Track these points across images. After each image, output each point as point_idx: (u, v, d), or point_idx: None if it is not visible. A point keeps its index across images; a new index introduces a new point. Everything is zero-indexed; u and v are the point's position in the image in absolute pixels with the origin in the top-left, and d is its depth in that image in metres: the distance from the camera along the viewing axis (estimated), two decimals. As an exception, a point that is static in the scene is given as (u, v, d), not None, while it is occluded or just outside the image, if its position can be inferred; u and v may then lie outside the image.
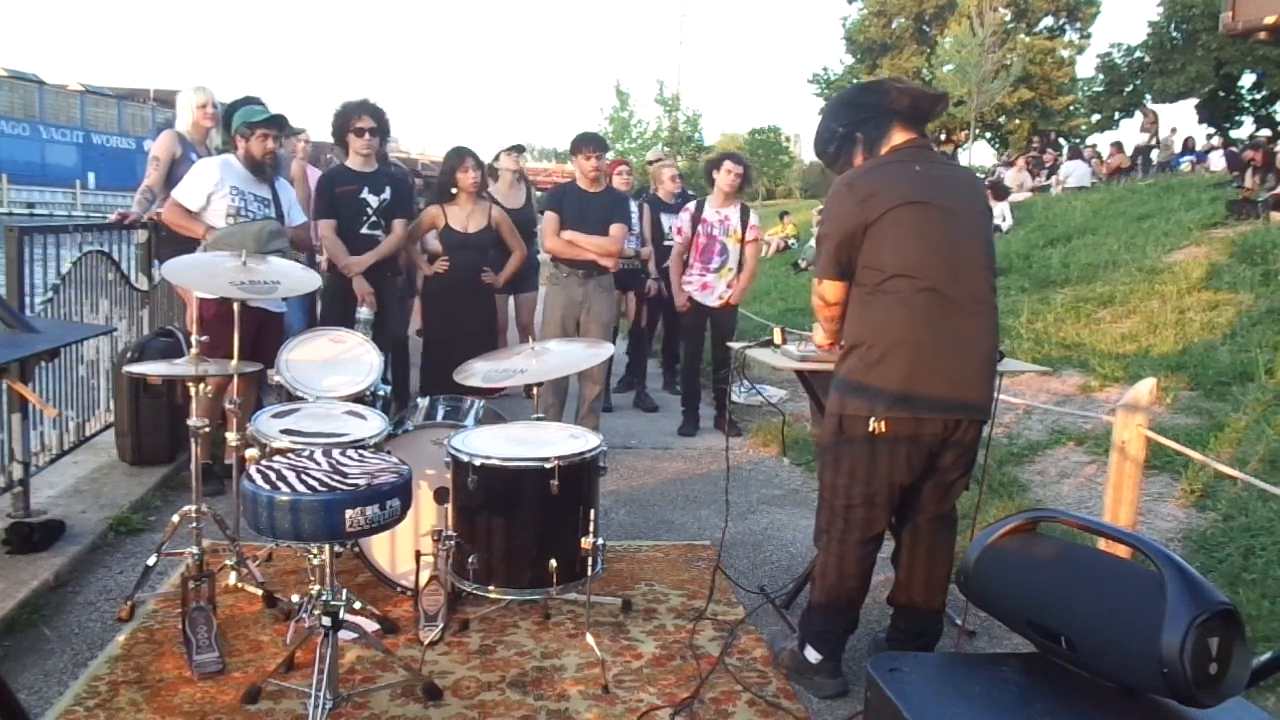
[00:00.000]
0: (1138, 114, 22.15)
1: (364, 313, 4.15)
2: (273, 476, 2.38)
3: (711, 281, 5.95)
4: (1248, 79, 30.91)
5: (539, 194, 7.66)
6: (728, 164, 5.97)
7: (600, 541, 3.02)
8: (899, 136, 2.73)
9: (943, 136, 17.23)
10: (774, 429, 5.81)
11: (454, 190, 4.91)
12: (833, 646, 2.80)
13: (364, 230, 4.84)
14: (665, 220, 6.86)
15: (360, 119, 4.78)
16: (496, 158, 6.78)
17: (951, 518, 2.87)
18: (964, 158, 28.78)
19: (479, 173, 4.95)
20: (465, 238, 4.94)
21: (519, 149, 6.63)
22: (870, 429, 2.61)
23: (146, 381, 4.31)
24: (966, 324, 2.61)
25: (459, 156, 4.92)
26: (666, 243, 6.72)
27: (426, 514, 3.25)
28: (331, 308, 4.72)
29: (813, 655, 2.80)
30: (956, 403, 2.61)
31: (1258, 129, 27.01)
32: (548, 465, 2.92)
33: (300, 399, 3.37)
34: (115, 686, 2.67)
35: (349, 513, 2.30)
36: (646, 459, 5.44)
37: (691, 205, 6.13)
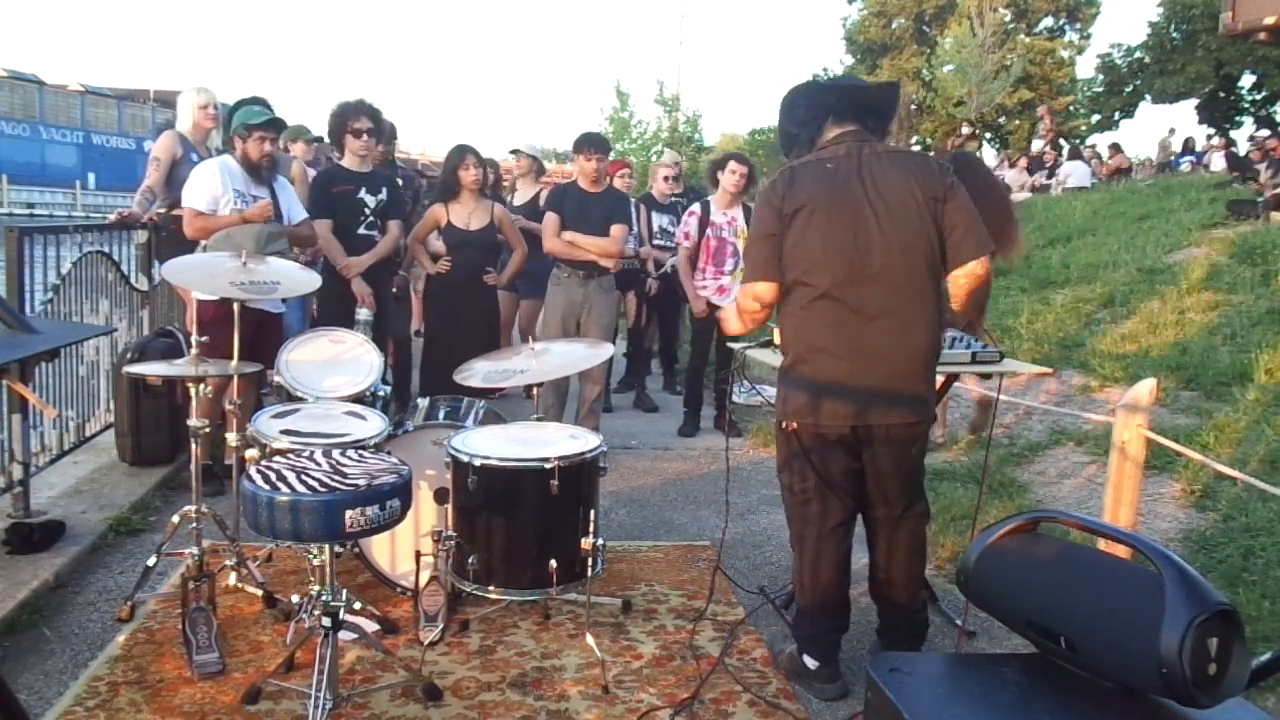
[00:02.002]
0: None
1: (363, 314, 4.16)
2: (273, 477, 2.38)
3: (727, 284, 5.92)
4: (1248, 79, 30.91)
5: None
6: (732, 164, 5.96)
7: (600, 542, 3.02)
8: (832, 131, 2.73)
9: (965, 130, 17.15)
10: (774, 429, 5.80)
11: (456, 188, 4.92)
12: (826, 649, 2.81)
13: (361, 231, 4.84)
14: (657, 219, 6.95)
15: (358, 119, 4.78)
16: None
17: (913, 515, 2.85)
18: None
19: (480, 170, 4.96)
20: (467, 235, 4.95)
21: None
22: (787, 429, 2.75)
23: (146, 382, 4.31)
24: (870, 329, 2.59)
25: (460, 154, 4.93)
26: (656, 243, 6.84)
27: (426, 514, 3.25)
28: (328, 308, 4.72)
29: (810, 662, 2.81)
30: (862, 408, 2.63)
31: (1258, 129, 27.01)
32: (548, 465, 2.92)
33: (300, 399, 3.37)
34: (115, 687, 2.67)
35: (349, 513, 2.31)
36: (646, 459, 5.44)
37: (697, 208, 6.06)
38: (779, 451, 2.88)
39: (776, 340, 3.31)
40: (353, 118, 4.78)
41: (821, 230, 2.59)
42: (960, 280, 2.65)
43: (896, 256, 2.59)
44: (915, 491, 2.85)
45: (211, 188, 4.09)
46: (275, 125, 4.25)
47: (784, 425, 2.76)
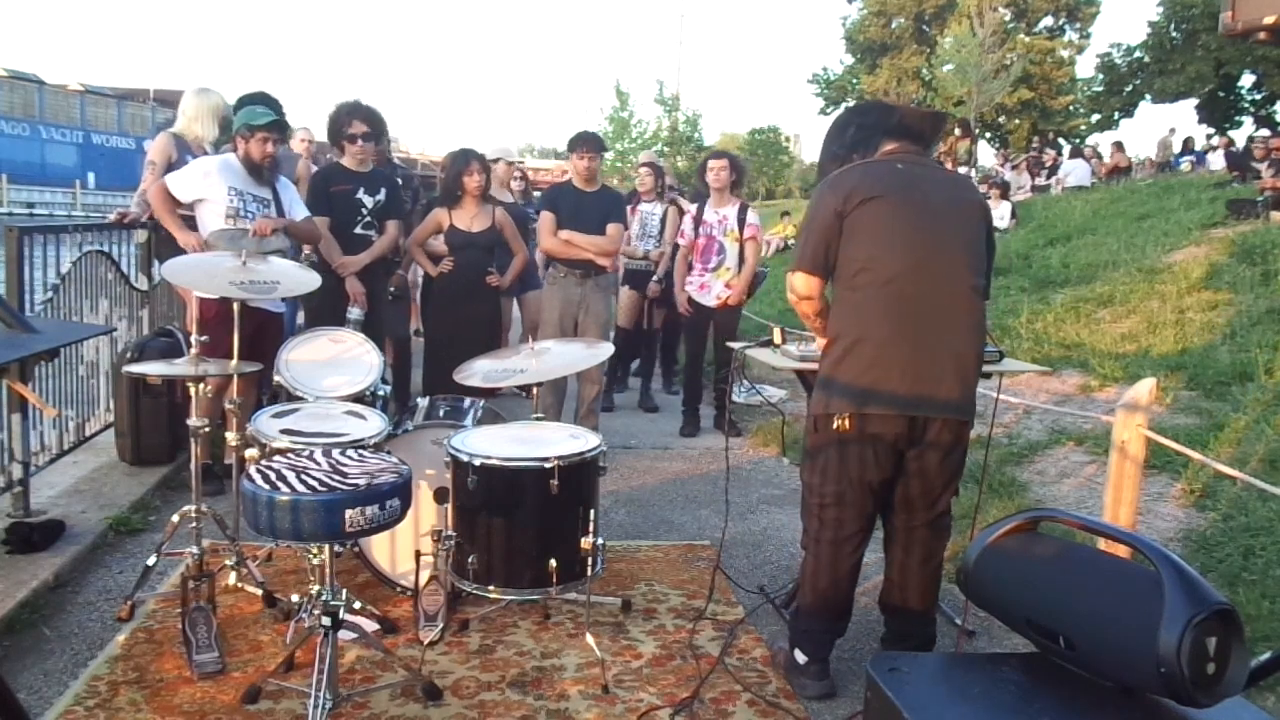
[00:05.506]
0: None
1: (355, 313, 4.17)
2: (273, 476, 2.38)
3: (709, 281, 5.96)
4: (1247, 79, 30.92)
5: (536, 194, 7.65)
6: (710, 162, 6.03)
7: (600, 541, 3.02)
8: (888, 146, 2.77)
9: (958, 132, 17.13)
10: (774, 429, 5.81)
11: (460, 193, 4.93)
12: (818, 648, 2.80)
13: (358, 230, 4.85)
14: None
15: (351, 125, 4.79)
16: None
17: (942, 524, 2.83)
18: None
19: (484, 175, 4.97)
20: (470, 236, 4.95)
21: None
22: (835, 426, 2.64)
23: (146, 381, 4.31)
24: (934, 321, 2.59)
25: (465, 159, 4.94)
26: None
27: (426, 514, 3.25)
28: (322, 306, 4.72)
29: (800, 656, 2.81)
30: (920, 399, 2.59)
31: (1257, 129, 27.00)
32: (548, 465, 2.92)
33: (300, 399, 3.37)
34: (115, 686, 2.67)
35: (349, 513, 2.31)
36: (646, 459, 5.44)
37: (693, 207, 6.16)
38: (809, 447, 2.80)
39: (777, 340, 3.32)
40: (346, 123, 4.81)
41: (890, 220, 2.61)
42: None
43: (958, 258, 2.63)
44: (947, 501, 2.80)
45: (195, 183, 4.09)
46: (279, 126, 4.25)
47: (834, 424, 2.64)
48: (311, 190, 4.97)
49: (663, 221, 6.76)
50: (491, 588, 3.01)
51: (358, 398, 3.42)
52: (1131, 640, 1.56)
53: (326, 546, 2.53)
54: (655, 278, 6.75)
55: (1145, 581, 1.60)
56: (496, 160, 6.62)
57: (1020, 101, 33.68)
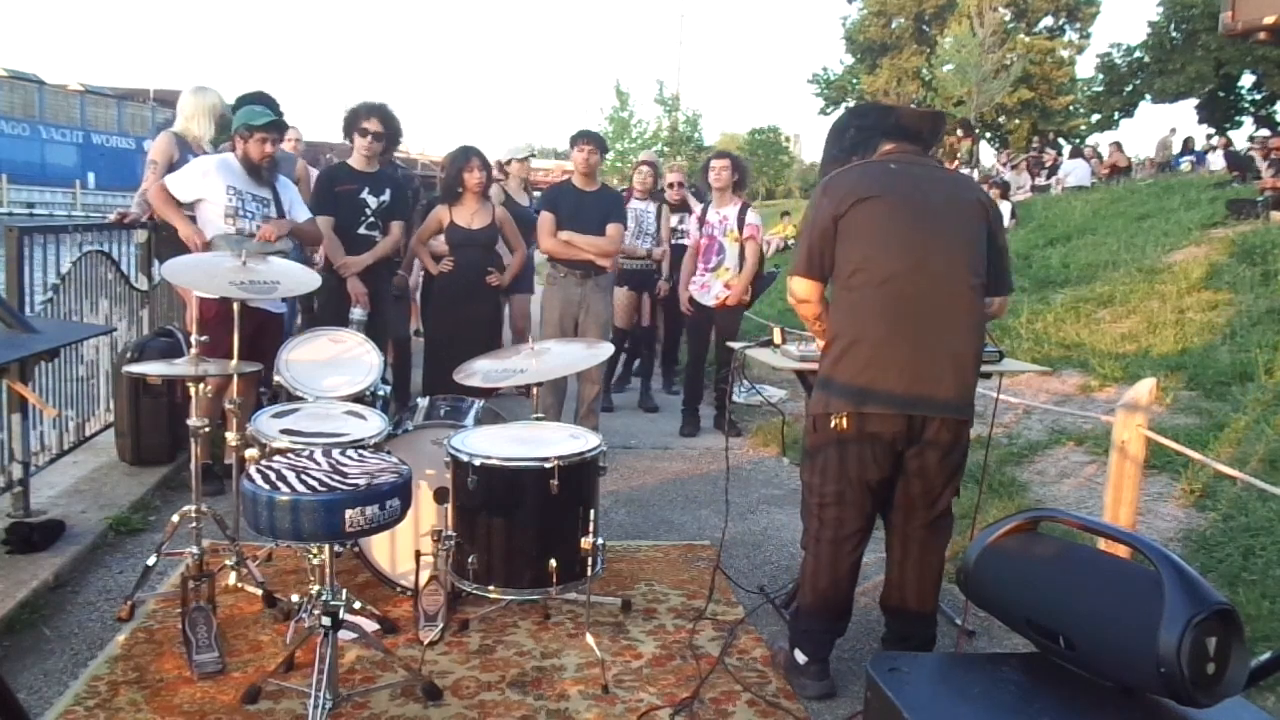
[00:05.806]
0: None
1: (357, 313, 4.17)
2: (273, 476, 2.38)
3: (709, 281, 5.97)
4: (1247, 79, 30.94)
5: (537, 194, 7.67)
6: (713, 161, 6.06)
7: (600, 541, 3.02)
8: (886, 147, 2.78)
9: (959, 132, 17.10)
10: (774, 429, 5.81)
11: (460, 190, 4.93)
12: (818, 648, 2.80)
13: (361, 230, 4.86)
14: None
15: (368, 120, 4.80)
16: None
17: (943, 525, 2.82)
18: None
19: (484, 173, 4.97)
20: (470, 234, 4.96)
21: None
22: (834, 425, 2.65)
23: (146, 381, 4.31)
24: (932, 320, 2.59)
25: (465, 156, 4.94)
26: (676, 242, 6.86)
27: (426, 514, 3.25)
28: (327, 306, 4.73)
29: (800, 656, 2.81)
30: (917, 398, 2.59)
31: (1257, 129, 27.01)
32: (548, 465, 2.92)
33: (300, 399, 3.37)
34: (115, 686, 2.67)
35: (349, 513, 2.31)
36: (646, 459, 5.44)
37: (699, 208, 6.19)
38: (808, 447, 2.81)
39: (777, 340, 3.32)
40: (364, 117, 4.83)
41: (886, 220, 2.61)
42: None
43: (957, 258, 2.62)
44: (948, 501, 2.79)
45: (194, 183, 4.10)
46: (278, 127, 4.24)
47: (833, 423, 2.65)
48: (316, 190, 4.98)
49: (657, 219, 6.78)
50: (491, 588, 3.01)
51: (358, 398, 3.42)
52: (1131, 640, 1.56)
53: (326, 546, 2.53)
54: (664, 277, 6.77)
55: (1145, 581, 1.60)
56: (509, 161, 6.63)
57: (1020, 101, 33.68)
